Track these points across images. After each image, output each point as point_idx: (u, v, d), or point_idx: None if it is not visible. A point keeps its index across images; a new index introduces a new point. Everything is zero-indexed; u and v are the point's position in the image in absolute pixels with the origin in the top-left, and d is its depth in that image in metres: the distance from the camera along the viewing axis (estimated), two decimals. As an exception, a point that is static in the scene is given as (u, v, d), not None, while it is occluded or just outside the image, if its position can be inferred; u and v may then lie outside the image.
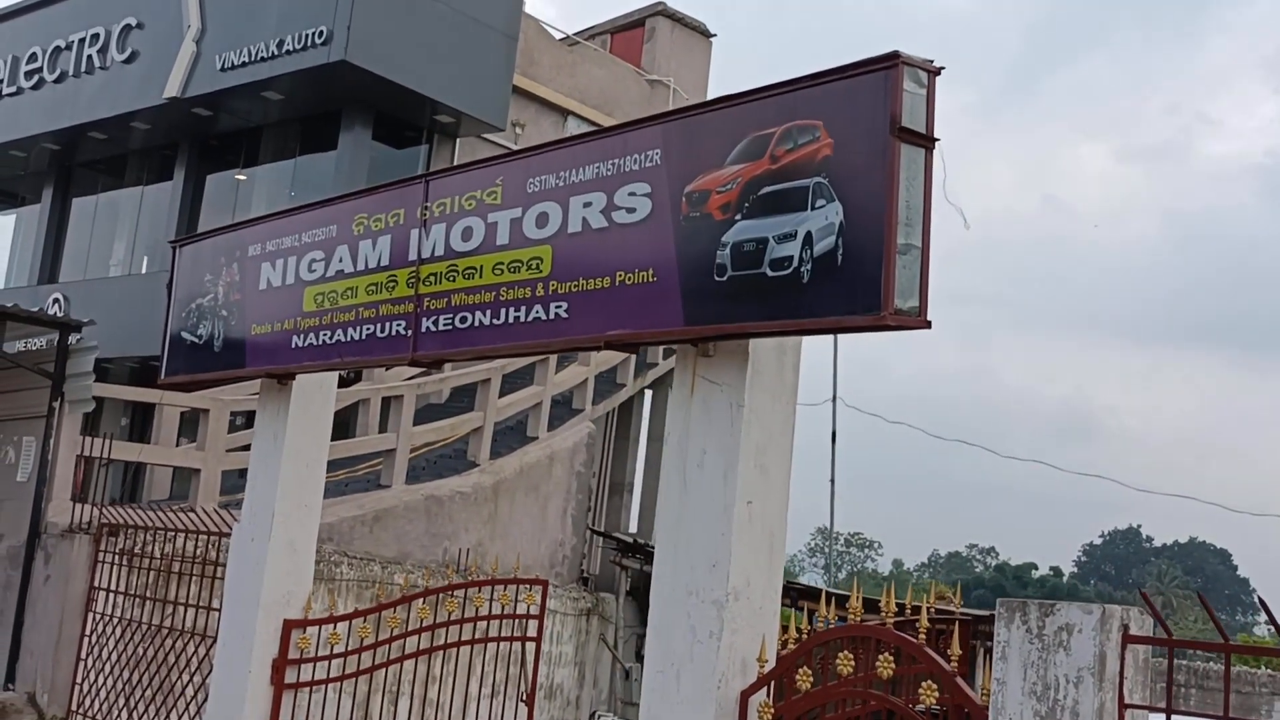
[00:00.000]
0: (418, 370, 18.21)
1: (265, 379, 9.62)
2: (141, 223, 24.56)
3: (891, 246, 5.51)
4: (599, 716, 17.11)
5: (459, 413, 17.76)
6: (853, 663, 5.82)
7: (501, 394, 17.75)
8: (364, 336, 8.43)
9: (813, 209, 5.79)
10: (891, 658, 5.66)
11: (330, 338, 8.71)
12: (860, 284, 5.58)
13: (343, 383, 15.21)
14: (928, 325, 5.59)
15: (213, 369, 9.97)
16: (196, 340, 10.12)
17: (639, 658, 19.18)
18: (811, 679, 5.98)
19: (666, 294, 6.40)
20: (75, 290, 23.71)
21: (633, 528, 22.15)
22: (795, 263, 5.81)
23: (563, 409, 19.44)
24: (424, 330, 7.93)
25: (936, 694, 5.45)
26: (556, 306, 6.98)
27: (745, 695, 6.18)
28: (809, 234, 5.78)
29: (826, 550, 79.23)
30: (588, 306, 6.82)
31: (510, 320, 7.27)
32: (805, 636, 6.24)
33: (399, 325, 8.12)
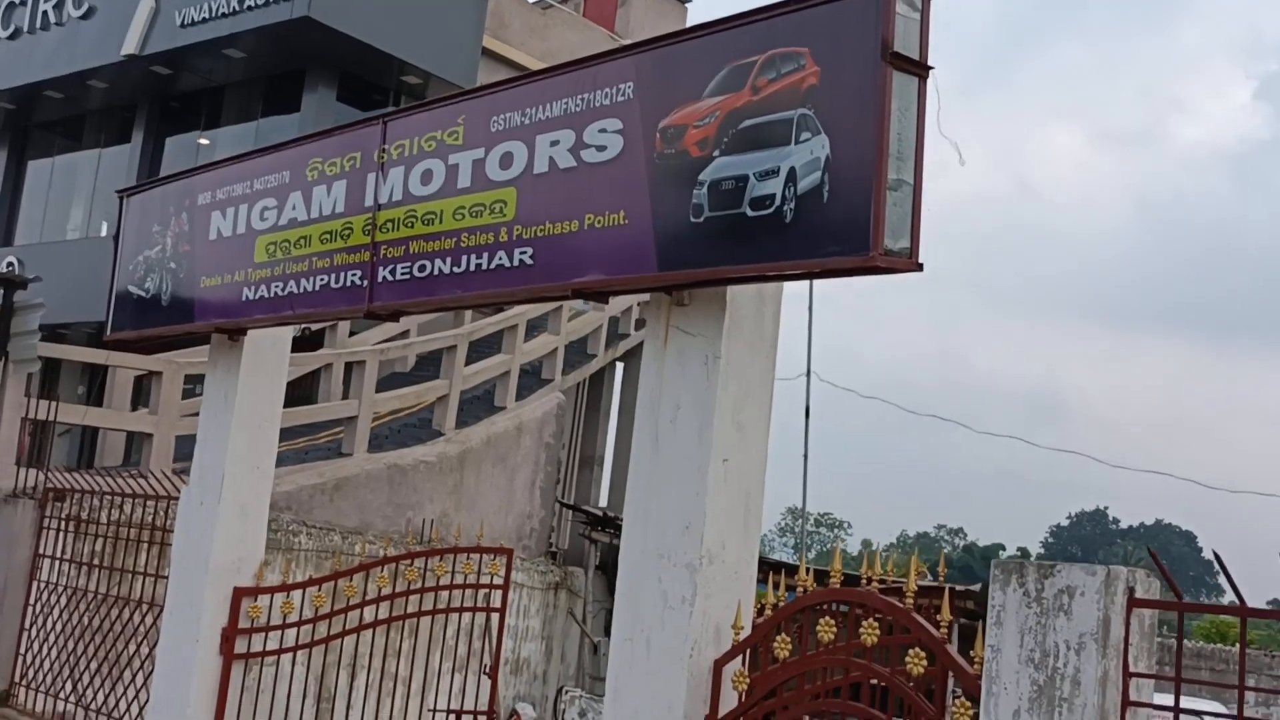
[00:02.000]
0: (382, 336, 17.75)
1: (215, 334, 9.15)
2: (99, 186, 23.90)
3: (881, 182, 5.10)
4: (566, 692, 16.72)
5: (424, 381, 17.28)
6: (835, 629, 5.43)
7: (468, 362, 17.30)
8: (318, 288, 7.98)
9: (797, 143, 5.37)
10: (877, 624, 5.27)
11: (283, 289, 8.25)
12: (847, 223, 5.17)
13: (304, 347, 14.75)
14: (919, 268, 5.19)
15: (160, 324, 9.50)
16: (144, 294, 9.64)
17: (608, 633, 18.78)
18: (790, 647, 5.58)
19: (639, 238, 5.97)
20: (30, 254, 23.07)
21: (603, 502, 21.76)
22: (778, 201, 5.39)
23: (532, 379, 19.00)
24: (380, 280, 7.48)
25: (925, 663, 5.06)
26: (521, 253, 6.55)
27: (719, 664, 5.79)
28: (792, 170, 5.36)
29: (798, 529, 79.18)
30: (554, 252, 6.40)
31: (472, 268, 6.84)
32: (781, 604, 5.84)
33: (354, 275, 7.67)
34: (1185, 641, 17.15)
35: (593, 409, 22.16)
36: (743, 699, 5.72)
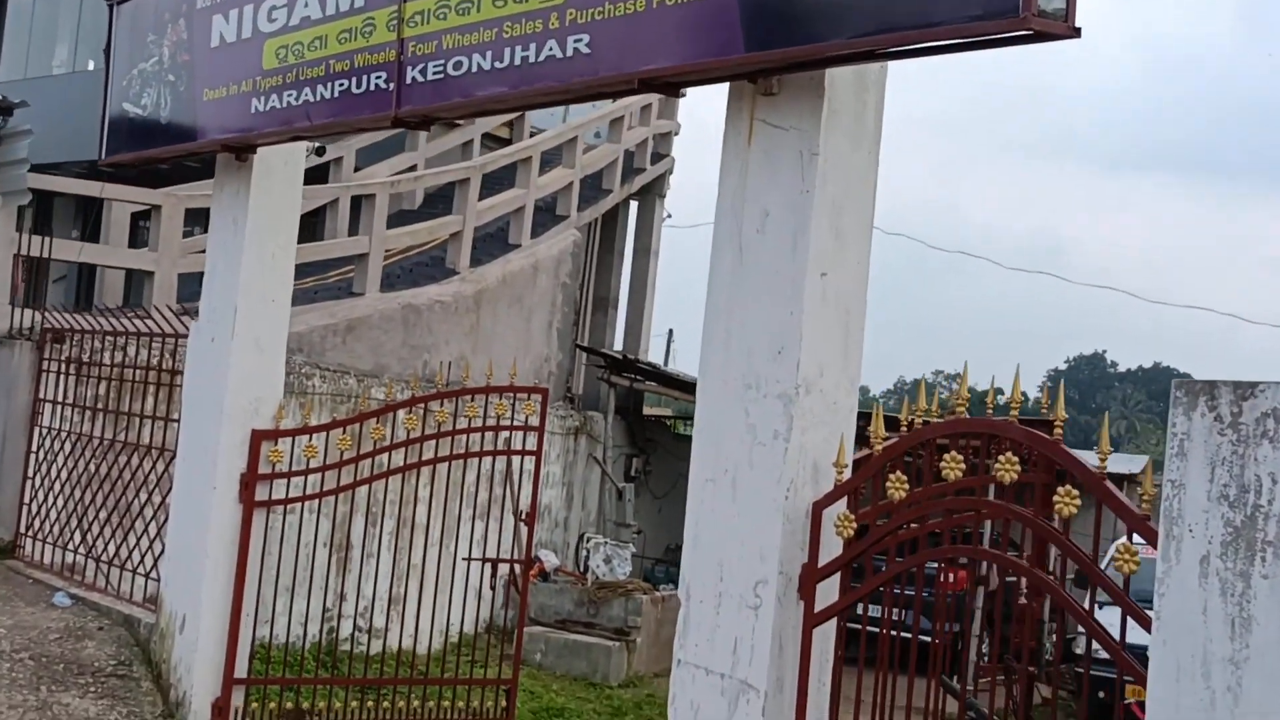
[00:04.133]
0: (390, 170, 16.82)
1: (222, 154, 8.27)
2: (84, 19, 22.63)
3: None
4: (589, 539, 16.20)
5: (433, 219, 16.40)
6: (963, 466, 4.69)
7: (480, 197, 16.38)
8: (336, 94, 7.09)
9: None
10: (1016, 459, 4.53)
11: (296, 99, 7.36)
12: (989, -20, 4.29)
13: (307, 180, 13.81)
14: (1076, 33, 4.32)
15: (160, 144, 8.63)
16: (140, 112, 8.75)
17: (628, 478, 18.24)
18: (905, 487, 4.86)
19: (720, 14, 5.09)
20: (14, 90, 21.85)
21: (618, 345, 21.03)
22: (898, -42, 4.50)
23: (546, 215, 18.11)
24: (409, 82, 6.60)
25: (1077, 503, 4.33)
26: (575, 40, 5.66)
27: (819, 507, 5.08)
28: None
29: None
30: (615, 38, 5.51)
31: (517, 62, 5.95)
32: (893, 438, 5.10)
33: (379, 78, 6.78)
34: None
35: (607, 248, 21.29)
36: (848, 546, 5.03)
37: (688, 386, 18.70)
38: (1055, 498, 4.36)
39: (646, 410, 21.07)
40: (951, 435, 4.78)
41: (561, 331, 17.50)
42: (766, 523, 5.09)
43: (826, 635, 5.18)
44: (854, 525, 4.97)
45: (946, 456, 4.71)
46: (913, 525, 4.87)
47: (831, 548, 5.10)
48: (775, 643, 5.02)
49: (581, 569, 15.74)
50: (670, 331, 34.65)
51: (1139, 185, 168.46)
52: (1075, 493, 4.35)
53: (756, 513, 5.13)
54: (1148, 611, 4.09)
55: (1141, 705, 11.08)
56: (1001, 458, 4.54)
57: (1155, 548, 4.03)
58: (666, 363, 27.82)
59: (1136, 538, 4.21)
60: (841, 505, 5.08)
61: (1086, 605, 4.59)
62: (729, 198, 5.41)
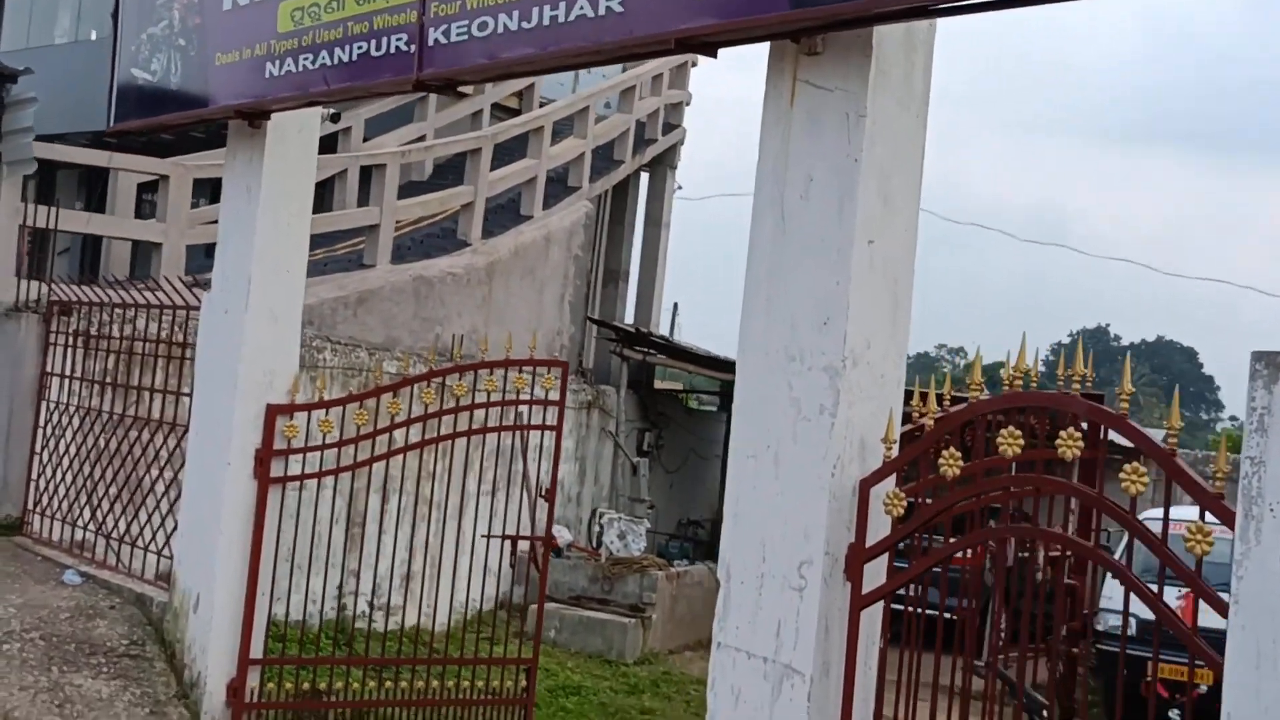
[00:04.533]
0: (399, 141, 16.57)
1: (234, 120, 8.03)
2: (88, -12, 22.34)
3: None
4: (602, 515, 16.00)
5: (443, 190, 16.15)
6: (1020, 442, 4.48)
7: (492, 168, 16.12)
8: (355, 57, 6.86)
9: None
10: (1079, 435, 4.31)
11: (312, 62, 7.13)
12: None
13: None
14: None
15: (169, 110, 8.40)
16: (149, 78, 8.51)
17: (641, 453, 18.03)
18: (959, 464, 4.64)
19: (763, -31, 4.85)
20: (17, 59, 21.59)
21: (629, 318, 20.80)
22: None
23: (557, 186, 17.84)
24: (432, 44, 6.36)
25: (1145, 481, 4.12)
26: (609, -1, 5.42)
27: (866, 484, 4.87)
28: None
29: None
30: (652, -5, 5.27)
31: (545, 21, 5.71)
32: (943, 413, 4.89)
33: (399, 40, 6.55)
34: None
35: (617, 220, 21.02)
36: (898, 525, 4.82)
37: (701, 360, 18.50)
38: (1123, 475, 4.15)
39: (658, 384, 20.87)
40: (1009, 409, 4.56)
41: (574, 304, 17.28)
42: (811, 501, 4.88)
43: (874, 617, 4.98)
44: (904, 504, 4.77)
45: (1004, 432, 4.49)
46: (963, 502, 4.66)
47: (879, 527, 4.90)
48: (821, 625, 4.82)
49: (594, 545, 15.56)
50: (675, 305, 34.44)
51: (1143, 160, 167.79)
52: (1144, 471, 4.14)
53: (801, 490, 4.92)
54: (1223, 596, 3.90)
55: (1165, 683, 10.80)
56: (1064, 433, 4.32)
57: (1231, 528, 3.83)
58: (671, 336, 27.61)
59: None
60: (890, 483, 4.87)
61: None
62: (770, 162, 5.18)
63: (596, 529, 16.07)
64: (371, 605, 10.10)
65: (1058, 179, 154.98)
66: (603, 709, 11.51)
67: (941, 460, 4.66)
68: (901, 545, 4.92)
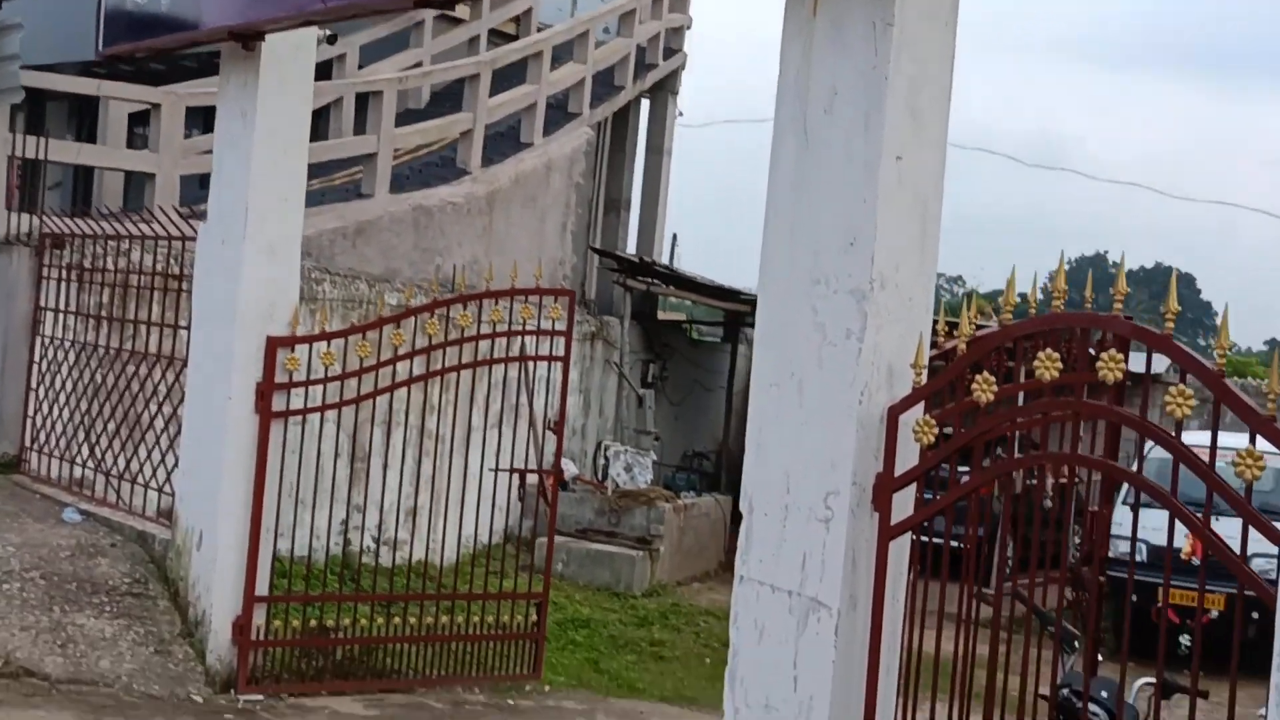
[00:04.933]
0: (395, 68, 16.22)
1: (227, 42, 7.75)
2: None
3: None
4: (607, 447, 15.86)
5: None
6: (1059, 365, 4.27)
7: (491, 94, 15.77)
8: (352, -26, 6.58)
9: None
10: (1121, 357, 4.11)
11: (308, -20, 6.84)
12: None
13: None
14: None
15: (161, 34, 8.12)
16: (140, 0, 8.21)
17: (646, 384, 17.86)
18: (993, 389, 4.44)
19: None
20: (3, -9, 21.18)
21: (630, 248, 20.51)
22: None
23: (558, 113, 17.49)
24: (433, -43, 6.08)
25: (1191, 404, 3.92)
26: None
27: (895, 412, 4.66)
28: None
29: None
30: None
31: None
32: (977, 336, 4.68)
33: (398, -46, 6.27)
34: None
35: (618, 148, 20.64)
36: (928, 454, 4.62)
37: (706, 290, 18.28)
38: (1168, 398, 3.95)
39: (661, 316, 20.66)
40: (1047, 331, 4.35)
41: (576, 234, 17.02)
42: (838, 429, 4.68)
43: (902, 549, 4.80)
44: (935, 431, 4.57)
45: (1041, 355, 4.28)
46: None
47: (908, 456, 4.70)
48: (848, 557, 4.64)
49: (600, 477, 15.44)
50: (674, 237, 34.11)
51: (1142, 84, 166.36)
52: (1190, 393, 3.94)
53: (826, 419, 4.72)
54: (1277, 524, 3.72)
55: (1177, 610, 10.69)
56: (1105, 355, 4.12)
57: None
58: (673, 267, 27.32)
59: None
60: (919, 410, 4.67)
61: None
62: (791, 75, 4.93)
63: (602, 462, 15.95)
64: (377, 540, 9.94)
65: (1055, 104, 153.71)
66: (612, 641, 11.43)
67: (975, 385, 4.45)
68: (931, 474, 4.73)
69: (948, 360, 4.90)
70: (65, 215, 10.95)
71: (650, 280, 17.40)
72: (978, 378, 4.45)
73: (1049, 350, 4.27)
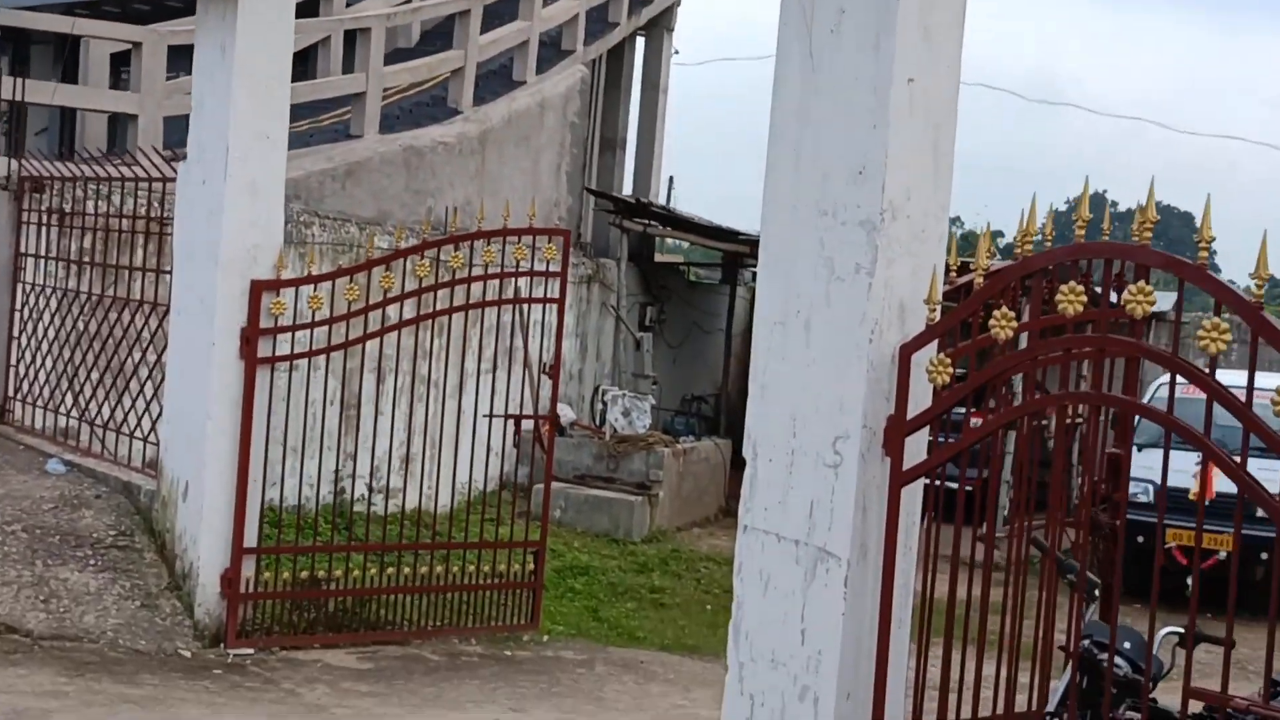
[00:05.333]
0: (386, 4, 15.82)
1: (203, -28, 7.44)
2: None
3: None
4: (605, 392, 15.60)
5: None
6: (1083, 298, 4.01)
7: (482, 31, 15.38)
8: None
9: None
10: (1151, 290, 3.85)
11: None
12: None
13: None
14: None
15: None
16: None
17: (643, 328, 17.60)
18: (1012, 325, 4.18)
19: None
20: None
21: (626, 188, 20.18)
22: None
23: (550, 50, 17.10)
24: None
25: (1227, 337, 3.67)
26: None
27: (907, 350, 4.41)
28: None
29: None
30: None
31: None
32: (992, 270, 4.42)
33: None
34: None
35: (613, 86, 20.22)
36: (942, 394, 4.37)
37: (704, 230, 17.97)
38: (1201, 332, 3.70)
39: (658, 258, 20.35)
40: (1072, 261, 4.09)
41: (570, 174, 16.69)
42: (847, 370, 4.42)
43: (914, 495, 4.56)
44: (950, 371, 4.31)
45: (1064, 288, 4.03)
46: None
47: (920, 397, 4.45)
48: (858, 505, 4.40)
49: (598, 422, 15.19)
50: (670, 179, 33.72)
51: (1141, 20, 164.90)
52: (1226, 327, 3.68)
53: (835, 358, 4.46)
54: None
55: (1183, 550, 10.46)
56: (1133, 287, 3.86)
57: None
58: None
59: None
60: (932, 349, 4.42)
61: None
62: (796, -9, 4.64)
63: (599, 406, 15.68)
64: (370, 489, 9.73)
65: (1055, 43, 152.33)
66: (611, 589, 11.24)
67: (993, 321, 4.19)
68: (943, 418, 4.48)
69: (960, 298, 4.65)
70: (47, 157, 10.64)
71: (647, 222, 17.09)
72: (996, 313, 4.19)
73: (1072, 284, 4.01)
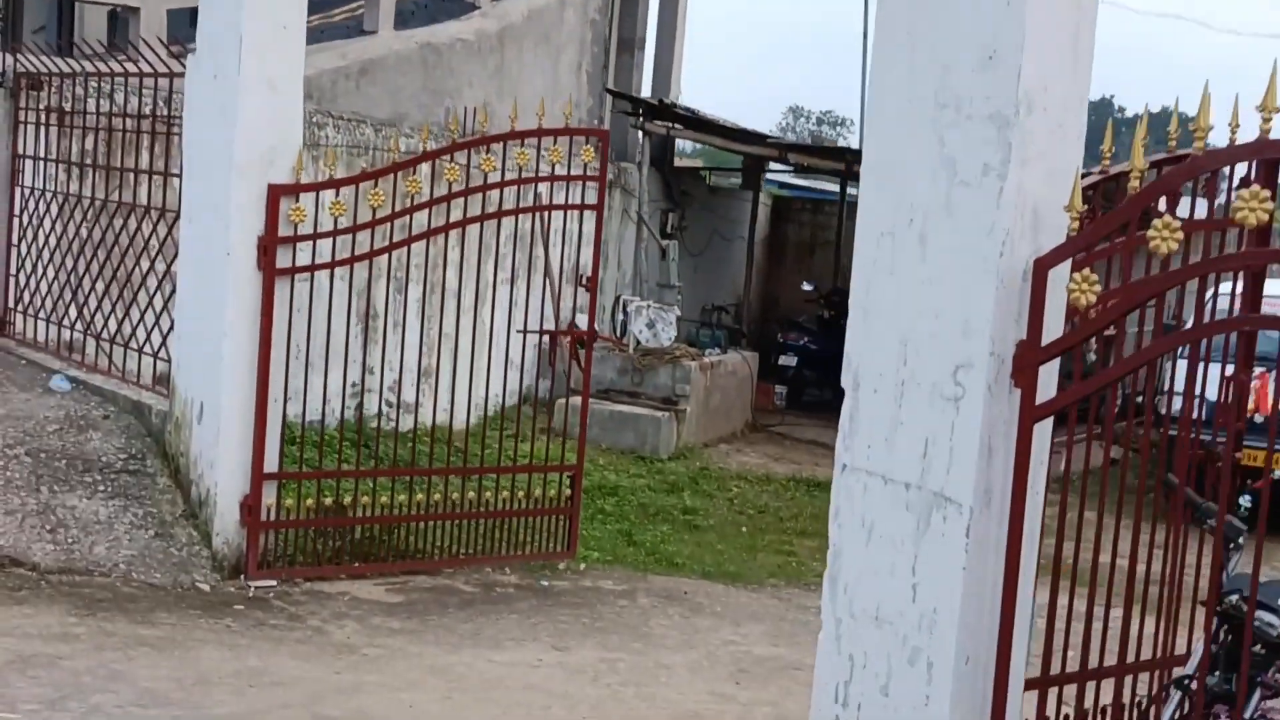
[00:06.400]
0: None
1: None
2: None
3: None
4: (627, 302, 14.99)
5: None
6: (1269, 206, 3.40)
7: (499, -79, 14.57)
8: None
9: None
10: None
11: None
12: None
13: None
14: None
15: None
16: None
17: (665, 235, 16.92)
18: (1179, 236, 3.57)
19: None
20: None
21: (645, 90, 19.35)
22: None
23: (569, -57, 16.26)
24: None
25: None
26: None
27: (1043, 265, 3.80)
28: None
29: (799, 132, 75.47)
30: None
31: None
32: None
33: None
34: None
35: (631, -16, 19.38)
36: (1087, 316, 3.77)
37: (730, 133, 17.22)
38: None
39: (677, 162, 19.62)
40: (1261, 160, 3.47)
41: (592, 75, 15.97)
42: (972, 287, 3.82)
43: (1045, 434, 3.98)
44: (1097, 289, 3.71)
45: (1246, 193, 3.42)
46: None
47: (1055, 321, 3.87)
48: (983, 444, 3.82)
49: (619, 334, 14.61)
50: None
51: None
52: None
53: (957, 275, 3.86)
54: None
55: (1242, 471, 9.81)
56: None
57: None
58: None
59: None
60: (1068, 265, 3.82)
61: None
62: None
63: (620, 317, 15.08)
64: (393, 405, 9.17)
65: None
66: (643, 510, 10.75)
67: (1153, 231, 3.58)
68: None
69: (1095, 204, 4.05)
70: (45, 53, 9.94)
71: (671, 124, 16.36)
72: (1157, 222, 3.58)
73: (1256, 189, 3.40)
